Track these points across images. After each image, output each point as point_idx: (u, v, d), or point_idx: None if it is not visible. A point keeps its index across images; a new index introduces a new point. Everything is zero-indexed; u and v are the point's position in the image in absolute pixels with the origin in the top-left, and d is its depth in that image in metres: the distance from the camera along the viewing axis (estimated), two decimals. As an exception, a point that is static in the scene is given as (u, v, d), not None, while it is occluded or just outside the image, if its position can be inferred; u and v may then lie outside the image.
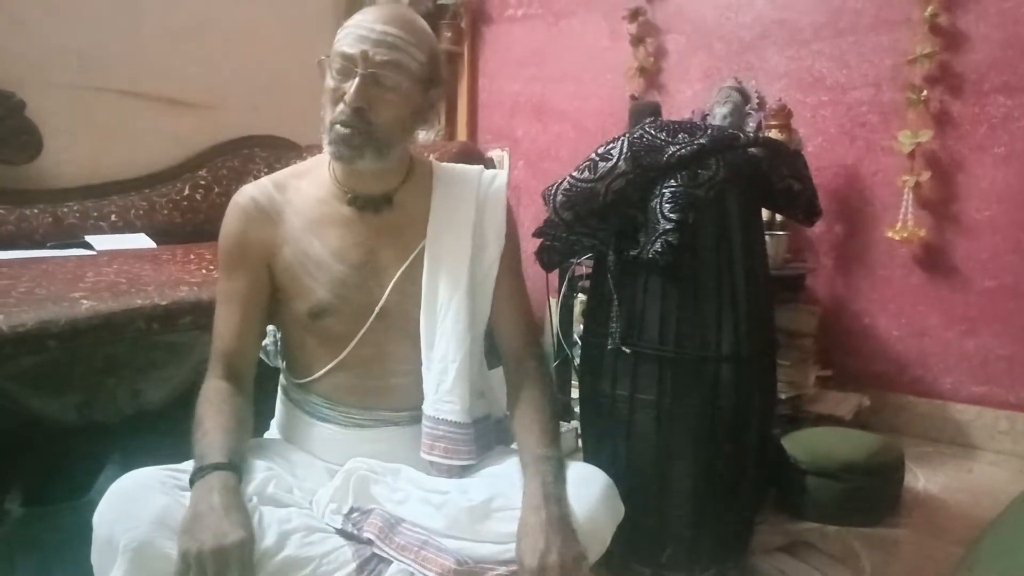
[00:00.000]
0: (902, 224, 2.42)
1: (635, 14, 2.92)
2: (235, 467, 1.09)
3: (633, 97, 2.91)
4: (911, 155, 2.38)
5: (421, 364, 1.24)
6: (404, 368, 1.25)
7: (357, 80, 1.12)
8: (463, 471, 1.22)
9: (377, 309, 1.23)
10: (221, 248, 1.26)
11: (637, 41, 2.94)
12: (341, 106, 1.14)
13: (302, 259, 1.23)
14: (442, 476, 1.21)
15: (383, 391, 1.26)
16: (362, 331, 1.23)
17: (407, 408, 1.25)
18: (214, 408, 1.17)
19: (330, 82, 1.17)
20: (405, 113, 1.18)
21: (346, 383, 1.25)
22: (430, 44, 1.20)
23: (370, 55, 1.12)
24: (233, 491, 1.04)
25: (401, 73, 1.15)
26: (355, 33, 1.14)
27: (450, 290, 1.23)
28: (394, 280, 1.24)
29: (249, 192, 1.26)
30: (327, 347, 1.25)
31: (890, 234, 2.43)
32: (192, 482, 1.05)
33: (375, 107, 1.14)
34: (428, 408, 1.21)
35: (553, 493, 1.10)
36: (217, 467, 1.06)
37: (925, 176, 2.38)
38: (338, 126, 1.15)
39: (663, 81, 2.95)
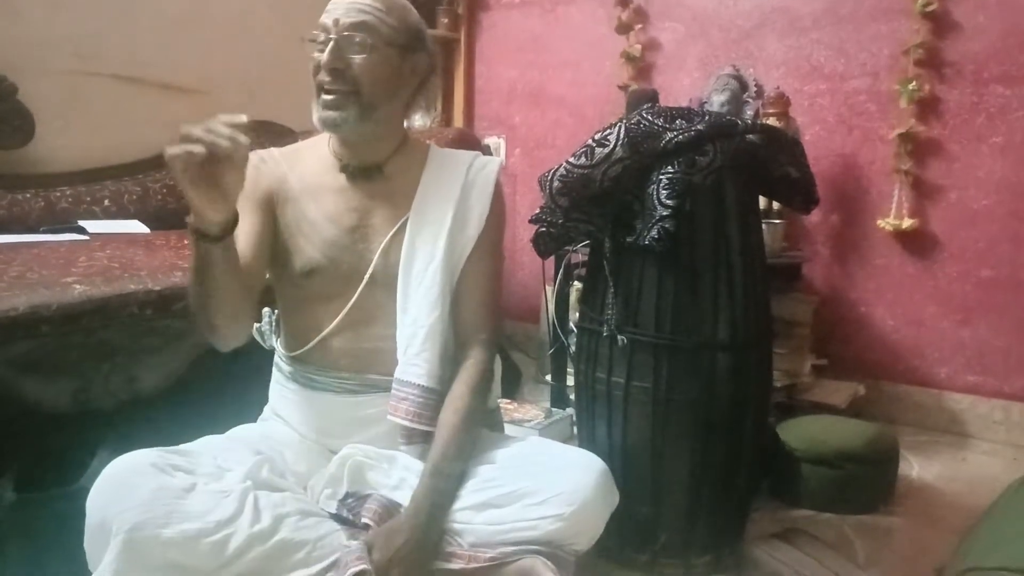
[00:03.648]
0: (895, 213, 2.42)
1: (625, 1, 2.90)
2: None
3: (620, 87, 2.90)
4: (903, 144, 2.38)
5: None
6: (391, 332, 1.26)
7: (331, 43, 1.19)
8: (425, 438, 1.22)
9: (368, 273, 1.26)
10: None
11: (625, 29, 2.92)
12: (320, 73, 1.20)
13: (299, 220, 1.28)
14: (404, 443, 1.22)
15: (373, 354, 1.27)
16: (356, 294, 1.26)
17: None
18: None
19: (313, 56, 1.22)
20: (383, 74, 1.22)
21: (339, 347, 1.28)
22: (402, 12, 1.25)
23: (340, 21, 1.19)
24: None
25: (370, 33, 1.20)
26: (329, 8, 1.22)
27: (426, 259, 1.26)
28: (381, 245, 1.27)
29: (257, 153, 1.32)
30: (319, 311, 1.28)
31: (880, 223, 2.44)
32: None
33: (352, 67, 1.20)
34: (397, 371, 1.23)
35: (435, 515, 1.12)
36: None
37: (910, 165, 2.37)
38: (322, 94, 1.21)
39: (656, 70, 2.93)
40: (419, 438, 1.22)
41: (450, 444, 1.18)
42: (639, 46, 2.91)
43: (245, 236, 1.24)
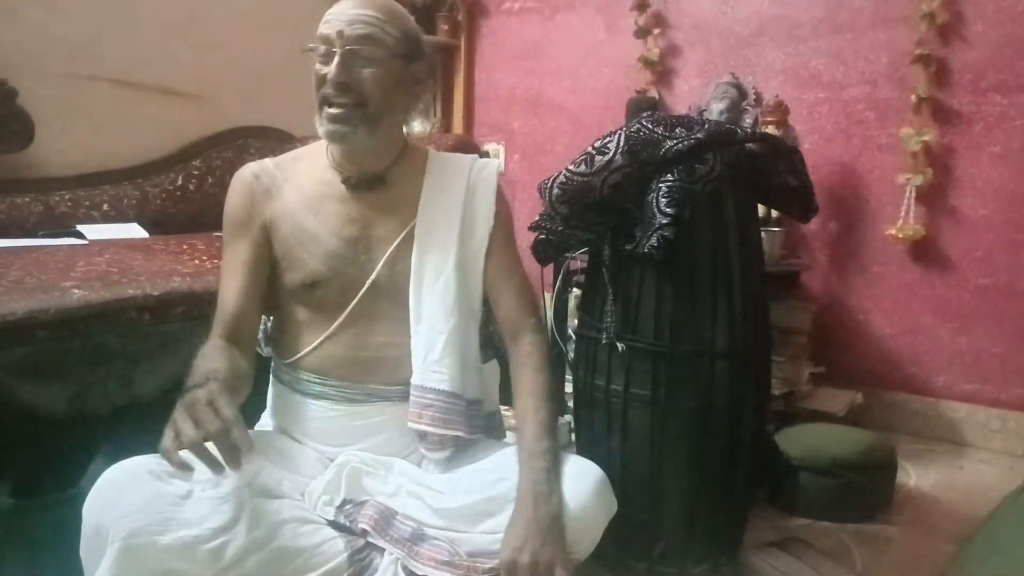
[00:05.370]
0: (903, 222, 2.42)
1: (643, 5, 2.89)
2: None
3: (638, 91, 2.89)
4: (915, 154, 2.38)
5: (410, 338, 1.25)
6: (394, 341, 1.26)
7: (337, 57, 1.18)
8: (455, 453, 1.21)
9: (369, 282, 1.26)
10: (226, 220, 1.31)
11: (643, 33, 2.90)
12: (327, 86, 1.19)
13: (298, 233, 1.27)
14: (434, 450, 1.22)
15: (374, 363, 1.27)
16: (353, 302, 1.26)
17: (398, 382, 1.26)
18: (212, 351, 1.17)
19: (316, 68, 1.21)
20: (388, 84, 1.22)
21: (338, 354, 1.27)
22: (402, 21, 1.25)
23: (345, 33, 1.18)
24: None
25: (376, 46, 1.19)
26: (330, 19, 1.21)
27: (439, 266, 1.26)
28: (386, 255, 1.27)
29: (251, 168, 1.32)
30: (319, 320, 1.28)
31: (890, 231, 2.43)
32: (188, 390, 1.03)
33: (359, 80, 1.19)
34: (416, 378, 1.23)
35: (543, 491, 1.09)
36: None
37: (928, 175, 2.37)
38: (328, 108, 1.21)
39: (665, 76, 2.94)
40: (448, 443, 1.21)
41: (537, 424, 1.17)
42: (657, 50, 2.90)
43: (240, 272, 1.26)
